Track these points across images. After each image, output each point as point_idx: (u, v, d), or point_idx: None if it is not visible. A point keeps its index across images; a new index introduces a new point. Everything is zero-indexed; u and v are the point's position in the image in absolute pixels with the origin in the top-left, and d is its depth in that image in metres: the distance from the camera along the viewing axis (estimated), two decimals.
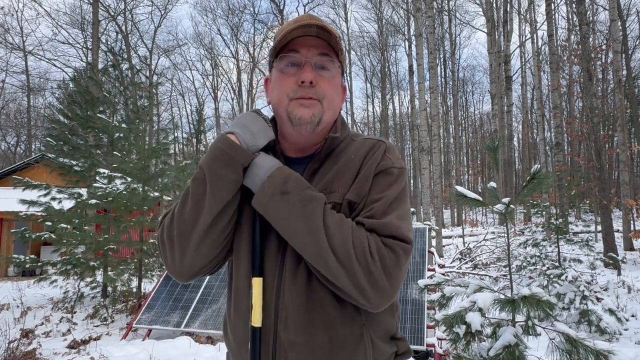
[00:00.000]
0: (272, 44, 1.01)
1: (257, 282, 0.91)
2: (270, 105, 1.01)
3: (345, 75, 1.08)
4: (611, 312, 4.94)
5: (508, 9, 19.91)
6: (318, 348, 0.88)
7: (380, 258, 0.84)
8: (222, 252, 0.96)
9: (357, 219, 0.90)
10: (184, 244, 0.91)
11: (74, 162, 7.99)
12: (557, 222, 6.49)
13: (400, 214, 0.91)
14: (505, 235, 2.74)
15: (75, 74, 9.82)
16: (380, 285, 0.83)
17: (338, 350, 0.88)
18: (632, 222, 15.52)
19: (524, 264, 7.58)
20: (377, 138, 1.02)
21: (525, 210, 23.72)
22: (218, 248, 0.94)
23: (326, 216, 0.86)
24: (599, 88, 20.16)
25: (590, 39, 18.35)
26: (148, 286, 8.26)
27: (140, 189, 7.75)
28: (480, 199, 2.64)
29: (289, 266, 0.91)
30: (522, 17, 24.56)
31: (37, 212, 7.80)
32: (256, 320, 0.89)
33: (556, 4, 20.41)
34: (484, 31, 21.11)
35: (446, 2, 28.88)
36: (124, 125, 8.11)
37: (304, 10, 41.78)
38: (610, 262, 8.68)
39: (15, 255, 8.18)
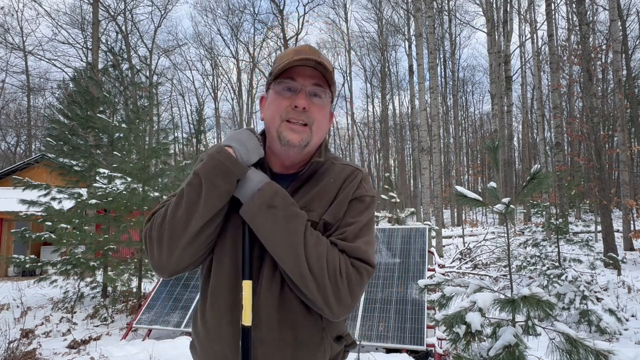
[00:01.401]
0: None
1: (247, 285, 0.98)
2: (263, 120, 1.11)
3: (335, 101, 1.19)
4: (611, 312, 4.94)
5: (508, 9, 19.91)
6: (285, 345, 0.98)
7: (347, 277, 0.95)
8: (205, 253, 1.04)
9: (331, 239, 1.00)
10: (173, 244, 0.97)
11: (74, 162, 7.99)
12: (557, 222, 6.49)
13: (368, 240, 1.02)
14: (505, 235, 2.74)
15: (75, 74, 9.82)
16: (344, 300, 0.94)
17: (302, 349, 0.99)
18: (632, 222, 15.52)
19: (524, 264, 7.57)
20: (354, 166, 1.13)
21: (525, 210, 23.71)
22: (203, 250, 1.02)
23: (307, 234, 0.96)
24: (599, 88, 20.16)
25: (590, 39, 18.34)
26: (148, 286, 8.26)
27: (140, 189, 7.75)
28: (480, 199, 2.64)
29: (266, 273, 1.00)
30: (522, 17, 24.57)
31: (37, 212, 7.80)
32: (247, 319, 0.96)
33: (556, 4, 20.41)
34: (484, 31, 21.11)
35: (446, 2, 28.88)
36: (124, 125, 8.11)
37: (304, 10, 41.74)
38: (610, 262, 8.67)
39: (15, 255, 8.18)
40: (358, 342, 4.31)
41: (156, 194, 7.91)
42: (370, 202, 1.07)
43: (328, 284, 0.92)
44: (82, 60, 27.13)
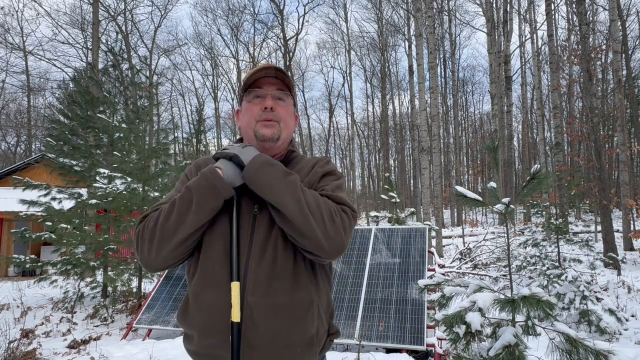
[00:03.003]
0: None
1: (235, 286, 1.08)
2: (240, 129, 1.34)
3: (297, 106, 1.42)
4: (611, 312, 4.93)
5: (508, 9, 19.90)
6: (279, 308, 1.09)
7: (340, 216, 1.13)
8: (187, 255, 1.19)
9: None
10: (162, 246, 1.12)
11: (74, 162, 7.98)
12: (557, 222, 6.49)
13: (346, 195, 1.23)
14: (505, 235, 2.74)
15: (75, 74, 9.82)
16: (340, 235, 1.10)
17: (294, 312, 1.11)
18: (632, 222, 15.51)
19: (524, 264, 7.56)
20: (320, 156, 1.38)
21: (525, 210, 23.70)
22: (186, 253, 1.17)
23: (302, 186, 1.13)
24: (599, 88, 20.14)
25: (590, 39, 18.34)
26: (148, 286, 8.26)
27: (140, 189, 7.75)
28: (480, 199, 2.63)
29: (257, 241, 1.14)
30: (522, 17, 24.55)
31: (37, 212, 7.79)
32: (235, 316, 1.05)
33: (556, 4, 20.42)
34: (484, 31, 21.10)
35: (446, 2, 28.87)
36: (124, 125, 8.11)
37: (304, 10, 41.88)
38: (610, 262, 8.67)
39: (15, 255, 8.17)
40: (358, 342, 4.31)
41: (156, 194, 7.91)
42: (339, 174, 1.30)
43: (326, 219, 1.09)
44: (82, 60, 27.15)
